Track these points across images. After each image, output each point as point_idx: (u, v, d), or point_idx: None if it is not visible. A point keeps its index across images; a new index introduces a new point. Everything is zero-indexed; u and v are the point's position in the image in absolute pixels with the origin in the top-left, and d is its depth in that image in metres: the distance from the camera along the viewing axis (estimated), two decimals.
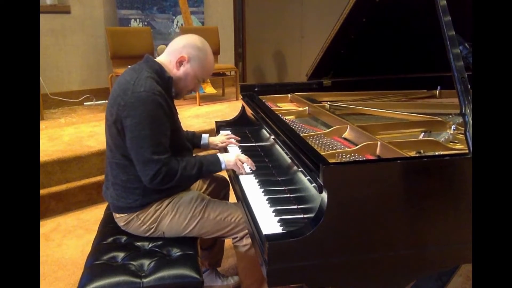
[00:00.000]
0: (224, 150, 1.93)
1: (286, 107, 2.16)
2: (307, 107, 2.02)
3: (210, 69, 1.65)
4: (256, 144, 1.96)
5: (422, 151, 1.44)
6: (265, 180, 1.57)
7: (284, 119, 1.84)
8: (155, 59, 1.59)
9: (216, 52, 4.93)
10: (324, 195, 1.12)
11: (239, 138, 1.96)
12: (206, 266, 2.00)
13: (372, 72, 2.25)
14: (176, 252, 1.54)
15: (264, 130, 1.82)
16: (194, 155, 1.70)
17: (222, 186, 1.95)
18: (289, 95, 2.25)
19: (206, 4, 5.46)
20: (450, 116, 1.84)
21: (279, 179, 1.57)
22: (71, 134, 3.52)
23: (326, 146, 1.52)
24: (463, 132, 1.24)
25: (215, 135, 2.09)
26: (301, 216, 1.29)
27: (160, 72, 1.55)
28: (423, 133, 1.64)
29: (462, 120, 1.26)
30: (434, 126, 1.69)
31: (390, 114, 1.86)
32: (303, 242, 1.11)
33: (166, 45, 1.87)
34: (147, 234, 1.61)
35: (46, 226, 2.68)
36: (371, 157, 1.40)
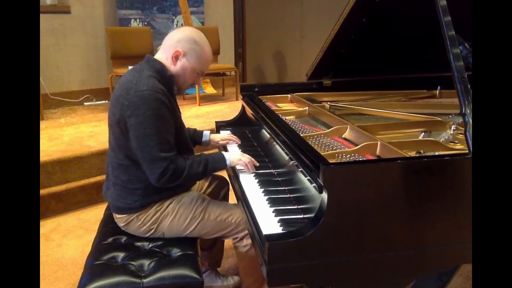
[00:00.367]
0: (224, 148, 1.93)
1: (286, 107, 2.16)
2: (307, 107, 2.02)
3: (208, 61, 1.62)
4: (256, 144, 1.96)
5: (422, 151, 1.44)
6: (265, 180, 1.57)
7: (284, 119, 1.84)
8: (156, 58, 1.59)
9: (216, 52, 4.93)
10: (324, 195, 1.12)
11: (239, 142, 1.95)
12: (206, 266, 2.00)
13: (372, 72, 2.25)
14: (176, 252, 1.54)
15: (264, 130, 1.82)
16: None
17: (222, 186, 1.95)
18: (289, 95, 2.25)
19: (206, 4, 5.46)
20: (450, 116, 1.84)
21: (279, 179, 1.57)
22: (71, 134, 3.52)
23: (326, 146, 1.52)
24: (463, 132, 1.24)
25: None
26: (301, 216, 1.29)
27: (161, 71, 1.55)
28: (423, 133, 1.64)
29: (462, 120, 1.26)
30: (434, 126, 1.69)
31: (390, 114, 1.86)
32: (303, 242, 1.11)
33: None
34: (147, 235, 1.60)
35: (46, 226, 2.68)
36: (371, 157, 1.40)
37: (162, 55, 1.58)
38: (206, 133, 1.93)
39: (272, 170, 1.65)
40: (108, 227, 1.69)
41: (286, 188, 1.49)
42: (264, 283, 1.66)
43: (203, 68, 1.62)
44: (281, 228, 1.23)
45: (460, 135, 1.59)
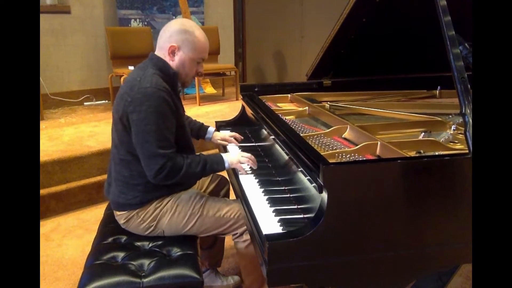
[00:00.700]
0: (224, 148, 1.94)
1: (286, 107, 2.16)
2: (307, 107, 2.02)
3: (203, 46, 1.60)
4: (256, 144, 1.96)
5: (422, 151, 1.44)
6: (265, 180, 1.57)
7: (284, 119, 1.84)
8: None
9: (216, 52, 4.94)
10: (324, 195, 1.12)
11: (242, 138, 1.96)
12: (206, 266, 2.00)
13: (372, 72, 2.25)
14: (176, 252, 1.54)
15: (264, 130, 1.82)
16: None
17: (223, 185, 1.96)
18: (289, 95, 2.25)
19: (206, 4, 5.46)
20: (450, 116, 1.84)
21: (279, 179, 1.57)
22: (71, 134, 3.52)
23: (326, 146, 1.52)
24: (463, 132, 1.24)
25: None
26: (301, 216, 1.29)
27: (165, 69, 1.56)
28: (423, 133, 1.64)
29: (462, 120, 1.26)
30: (434, 126, 1.69)
31: (390, 114, 1.86)
32: (303, 242, 1.11)
33: None
34: (146, 233, 1.61)
35: (46, 226, 2.68)
36: (371, 157, 1.40)
37: (160, 53, 1.59)
38: (211, 129, 1.98)
39: (272, 170, 1.65)
40: (108, 227, 1.69)
41: (286, 188, 1.49)
42: (264, 283, 1.66)
43: (201, 55, 1.61)
44: (281, 228, 1.23)
45: (460, 135, 1.59)
